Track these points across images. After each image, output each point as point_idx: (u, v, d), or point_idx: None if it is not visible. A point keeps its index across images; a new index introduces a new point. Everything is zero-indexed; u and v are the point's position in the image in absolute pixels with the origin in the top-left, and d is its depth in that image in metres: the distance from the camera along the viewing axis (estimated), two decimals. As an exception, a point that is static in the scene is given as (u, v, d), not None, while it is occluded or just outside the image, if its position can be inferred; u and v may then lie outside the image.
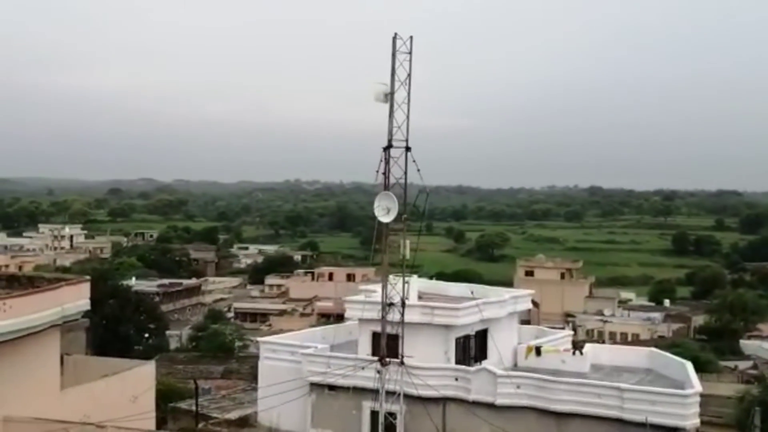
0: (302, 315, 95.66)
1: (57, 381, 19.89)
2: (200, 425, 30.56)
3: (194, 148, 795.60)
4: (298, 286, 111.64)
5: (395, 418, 26.41)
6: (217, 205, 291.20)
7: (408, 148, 19.37)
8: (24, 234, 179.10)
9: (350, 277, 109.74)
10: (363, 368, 26.34)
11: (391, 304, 20.06)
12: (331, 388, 29.48)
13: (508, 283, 79.92)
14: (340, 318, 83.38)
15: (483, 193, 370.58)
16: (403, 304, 20.90)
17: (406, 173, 18.81)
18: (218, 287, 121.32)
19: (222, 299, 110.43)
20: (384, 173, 19.04)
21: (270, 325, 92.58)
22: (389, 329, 29.28)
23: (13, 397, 18.32)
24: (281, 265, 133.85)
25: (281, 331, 70.17)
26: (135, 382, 22.31)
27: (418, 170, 18.56)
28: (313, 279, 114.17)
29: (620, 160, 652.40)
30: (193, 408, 34.38)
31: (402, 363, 20.98)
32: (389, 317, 29.19)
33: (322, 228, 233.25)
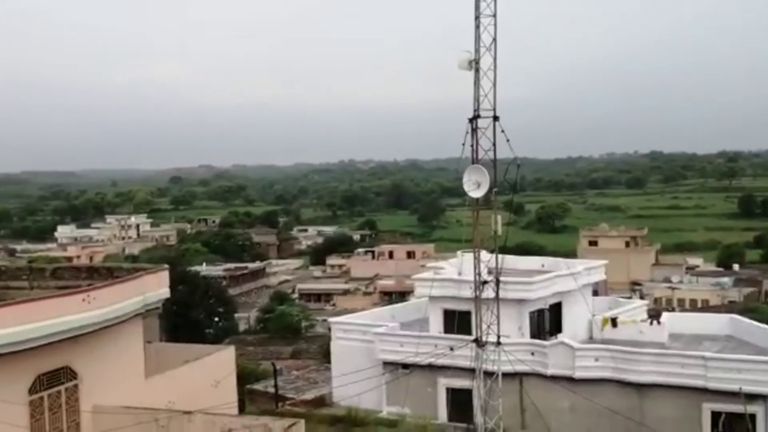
0: (365, 294, 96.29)
1: (141, 369, 20.25)
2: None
3: (250, 133, 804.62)
4: (359, 265, 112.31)
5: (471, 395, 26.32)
6: (275, 189, 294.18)
7: (496, 118, 18.45)
8: (92, 225, 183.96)
9: (410, 255, 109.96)
10: (452, 348, 26.10)
11: (485, 282, 19.55)
12: (405, 366, 29.51)
13: (572, 254, 78.63)
14: (402, 296, 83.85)
15: (540, 163, 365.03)
16: (497, 282, 20.35)
17: (495, 144, 18.00)
18: (281, 269, 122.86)
19: (286, 281, 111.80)
20: (471, 145, 18.32)
21: (334, 304, 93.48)
22: (459, 306, 29.20)
23: (101, 386, 18.72)
24: (341, 245, 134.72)
25: (345, 311, 70.76)
26: (216, 367, 22.61)
27: (508, 140, 17.72)
28: (373, 258, 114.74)
29: (681, 123, 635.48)
30: (268, 389, 34.83)
31: (499, 343, 20.56)
32: (458, 294, 29.08)
33: (378, 207, 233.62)
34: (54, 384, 17.73)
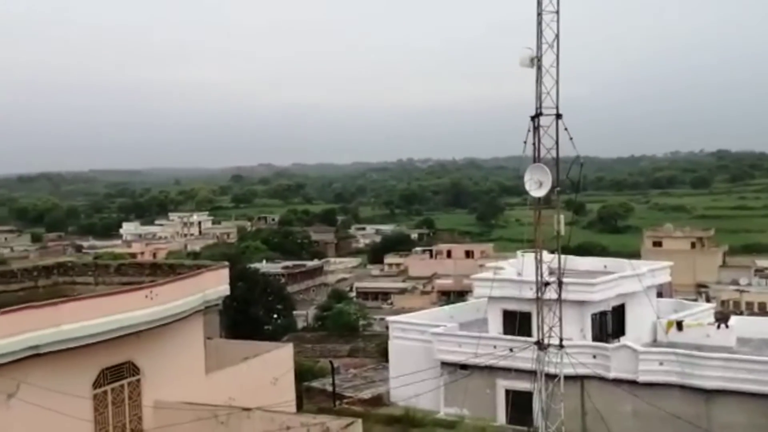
0: (422, 293, 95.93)
1: (202, 365, 20.45)
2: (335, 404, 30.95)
3: (310, 132, 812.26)
4: (417, 264, 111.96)
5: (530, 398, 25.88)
6: (334, 187, 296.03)
7: (559, 116, 18.04)
8: (156, 222, 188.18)
9: (468, 254, 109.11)
10: (512, 350, 25.73)
11: (547, 284, 19.15)
12: (463, 367, 29.24)
13: (635, 255, 76.85)
14: (460, 295, 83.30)
15: (602, 162, 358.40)
16: (560, 284, 19.90)
17: (557, 142, 17.59)
18: (339, 267, 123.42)
19: (344, 279, 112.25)
20: (533, 144, 17.92)
21: (392, 303, 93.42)
22: (520, 307, 28.77)
23: (162, 381, 18.97)
24: (399, 244, 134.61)
25: (403, 310, 70.65)
26: (275, 365, 22.71)
27: (571, 139, 17.29)
28: (431, 257, 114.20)
29: (749, 121, 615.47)
30: (326, 387, 34.94)
31: (561, 346, 20.11)
32: (518, 294, 28.65)
33: (436, 205, 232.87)
34: (117, 378, 18.05)
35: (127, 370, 18.29)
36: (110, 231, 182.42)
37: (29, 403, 15.77)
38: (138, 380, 18.52)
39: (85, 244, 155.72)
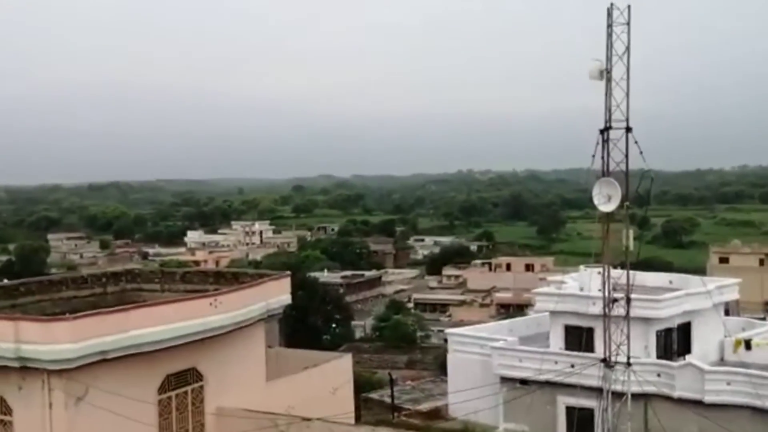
0: (481, 305, 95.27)
1: (263, 373, 20.71)
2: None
3: (369, 143, 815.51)
4: (476, 276, 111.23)
5: (592, 415, 25.38)
6: (393, 198, 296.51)
7: (629, 129, 17.73)
8: (219, 231, 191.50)
9: (529, 267, 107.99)
10: (573, 366, 25.26)
11: (615, 300, 18.76)
12: (523, 382, 28.86)
13: (700, 271, 74.75)
14: (519, 309, 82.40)
15: (666, 176, 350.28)
16: (628, 301, 19.49)
17: (627, 156, 17.28)
18: (397, 278, 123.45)
19: (402, 290, 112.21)
20: (602, 157, 17.63)
21: (450, 315, 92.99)
22: (583, 322, 28.26)
23: (224, 388, 19.27)
24: (457, 256, 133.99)
25: (461, 322, 70.19)
26: (334, 375, 22.84)
27: (641, 152, 16.97)
28: (490, 269, 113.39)
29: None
30: (384, 399, 34.97)
31: (629, 364, 19.67)
32: (582, 310, 28.15)
33: (496, 218, 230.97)
34: (181, 385, 18.40)
35: (190, 377, 18.63)
36: (175, 239, 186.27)
37: (97, 407, 16.21)
38: (201, 387, 18.85)
39: (151, 251, 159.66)
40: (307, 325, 67.58)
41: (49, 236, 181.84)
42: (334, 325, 75.89)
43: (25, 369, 15.90)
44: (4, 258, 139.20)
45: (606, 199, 17.73)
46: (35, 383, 16.05)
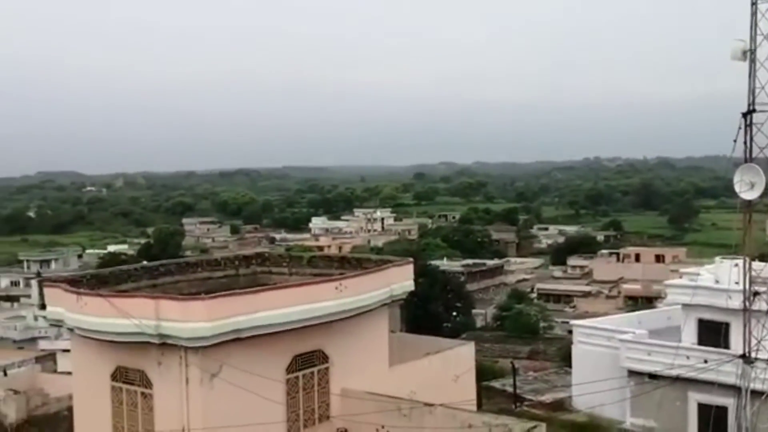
0: (608, 297, 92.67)
1: (386, 358, 20.96)
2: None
3: (491, 130, 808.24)
4: (603, 267, 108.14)
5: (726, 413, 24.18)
6: (516, 186, 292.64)
7: None
8: (341, 218, 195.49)
9: (659, 258, 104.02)
10: (706, 361, 24.14)
11: (756, 294, 17.71)
12: (652, 376, 27.88)
13: None
14: (648, 301, 79.45)
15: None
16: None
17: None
18: (520, 267, 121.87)
19: (524, 280, 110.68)
20: (744, 142, 16.64)
21: (574, 306, 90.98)
22: (719, 317, 26.93)
23: (348, 371, 19.65)
24: (583, 246, 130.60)
25: (586, 314, 68.46)
26: (456, 362, 22.83)
27: (790, 137, 15.86)
28: (618, 260, 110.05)
29: None
30: (506, 388, 34.68)
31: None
32: (718, 303, 26.80)
33: (624, 206, 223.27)
34: (308, 365, 18.92)
35: (317, 358, 19.12)
36: (300, 225, 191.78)
37: (229, 383, 16.93)
38: (327, 368, 19.31)
39: (277, 236, 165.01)
40: (428, 313, 67.72)
41: (184, 221, 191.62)
42: (454, 313, 75.78)
43: (165, 345, 16.79)
44: (143, 241, 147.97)
45: (748, 186, 16.68)
46: (173, 359, 16.94)
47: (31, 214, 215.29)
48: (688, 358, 26.75)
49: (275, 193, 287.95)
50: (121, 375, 18.26)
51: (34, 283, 61.53)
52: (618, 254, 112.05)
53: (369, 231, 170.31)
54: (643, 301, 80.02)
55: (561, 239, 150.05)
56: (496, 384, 35.48)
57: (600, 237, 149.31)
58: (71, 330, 18.61)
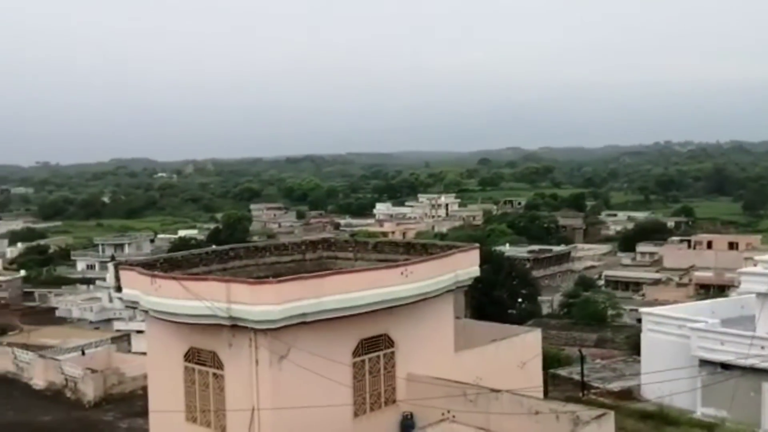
0: (678, 285, 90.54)
1: (452, 343, 20.96)
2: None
3: (558, 115, 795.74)
4: (673, 254, 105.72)
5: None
6: (583, 171, 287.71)
7: None
8: (406, 203, 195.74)
9: (732, 246, 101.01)
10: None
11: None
12: (725, 366, 27.18)
13: None
14: (721, 290, 77.26)
15: None
16: None
17: None
18: (587, 254, 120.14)
19: (592, 267, 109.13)
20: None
21: (643, 294, 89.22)
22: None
23: (414, 356, 19.75)
24: (653, 232, 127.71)
25: (656, 302, 67.04)
26: (522, 348, 22.70)
27: None
28: (689, 247, 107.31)
29: None
30: (572, 376, 34.24)
31: None
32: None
33: (696, 192, 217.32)
34: (374, 349, 19.09)
35: (382, 343, 19.27)
36: (364, 210, 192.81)
37: (297, 366, 17.23)
38: (392, 353, 19.45)
39: (342, 221, 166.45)
40: (493, 299, 67.36)
41: (251, 206, 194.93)
42: (520, 300, 75.18)
43: (235, 327, 17.17)
44: (212, 226, 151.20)
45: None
46: (243, 341, 17.32)
47: (106, 199, 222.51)
48: (762, 348, 25.99)
49: (340, 179, 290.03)
50: (193, 356, 18.79)
51: (110, 266, 63.70)
52: (689, 241, 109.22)
53: (433, 217, 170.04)
54: (715, 290, 77.99)
55: (630, 225, 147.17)
56: (563, 372, 35.06)
57: (670, 223, 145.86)
58: (146, 312, 19.19)
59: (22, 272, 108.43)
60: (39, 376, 26.57)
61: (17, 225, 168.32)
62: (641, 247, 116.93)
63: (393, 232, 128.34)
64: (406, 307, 19.02)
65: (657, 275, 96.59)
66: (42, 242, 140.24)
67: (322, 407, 17.34)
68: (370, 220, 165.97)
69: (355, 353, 18.68)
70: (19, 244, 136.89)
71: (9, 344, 31.83)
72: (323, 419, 17.52)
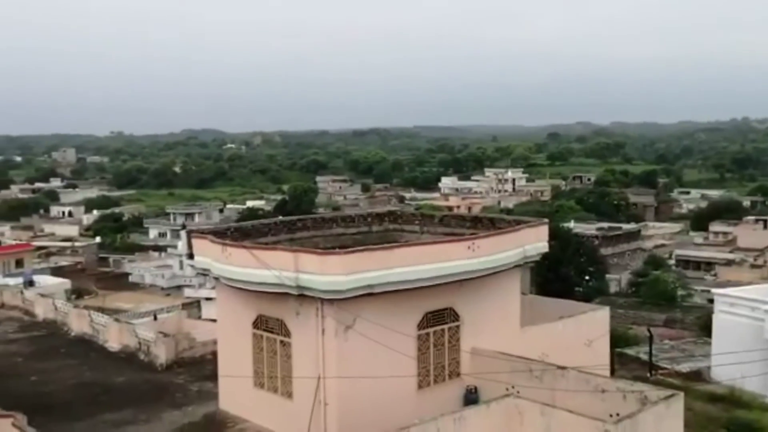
0: (752, 266, 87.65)
1: (517, 319, 20.84)
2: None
3: (631, 89, 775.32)
4: (748, 234, 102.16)
5: None
6: (656, 148, 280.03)
7: None
8: (472, 178, 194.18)
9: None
10: None
11: None
12: (800, 351, 26.30)
13: None
14: (799, 272, 74.56)
15: None
16: None
17: None
18: (658, 233, 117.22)
19: (662, 245, 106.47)
20: None
21: (715, 275, 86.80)
22: None
23: (480, 331, 19.72)
24: (727, 211, 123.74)
25: (728, 283, 65.08)
26: (590, 326, 22.42)
27: None
28: (765, 227, 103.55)
29: None
30: (640, 355, 33.72)
31: None
32: None
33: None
34: (439, 323, 19.13)
35: (447, 316, 19.29)
36: (430, 184, 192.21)
37: (363, 336, 17.41)
38: (457, 326, 19.46)
39: (407, 195, 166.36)
40: (560, 276, 66.48)
41: (318, 178, 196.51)
42: (587, 278, 74.02)
43: (302, 296, 17.43)
44: (279, 197, 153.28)
45: None
46: (310, 310, 17.58)
47: (177, 169, 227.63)
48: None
49: (405, 152, 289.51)
50: (262, 323, 19.17)
51: (182, 233, 65.32)
52: (765, 221, 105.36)
53: (499, 192, 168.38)
54: (793, 272, 75.26)
55: (703, 204, 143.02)
56: (630, 351, 34.57)
57: (746, 203, 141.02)
58: (217, 279, 19.64)
59: (98, 239, 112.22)
60: (114, 338, 27.52)
61: (93, 193, 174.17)
62: (714, 227, 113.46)
63: (458, 206, 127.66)
64: (473, 282, 18.95)
65: (730, 255, 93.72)
66: (116, 210, 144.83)
67: (386, 378, 17.51)
68: (435, 194, 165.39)
69: (420, 326, 18.75)
70: (95, 212, 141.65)
71: (86, 307, 33.00)
72: (387, 390, 17.70)
